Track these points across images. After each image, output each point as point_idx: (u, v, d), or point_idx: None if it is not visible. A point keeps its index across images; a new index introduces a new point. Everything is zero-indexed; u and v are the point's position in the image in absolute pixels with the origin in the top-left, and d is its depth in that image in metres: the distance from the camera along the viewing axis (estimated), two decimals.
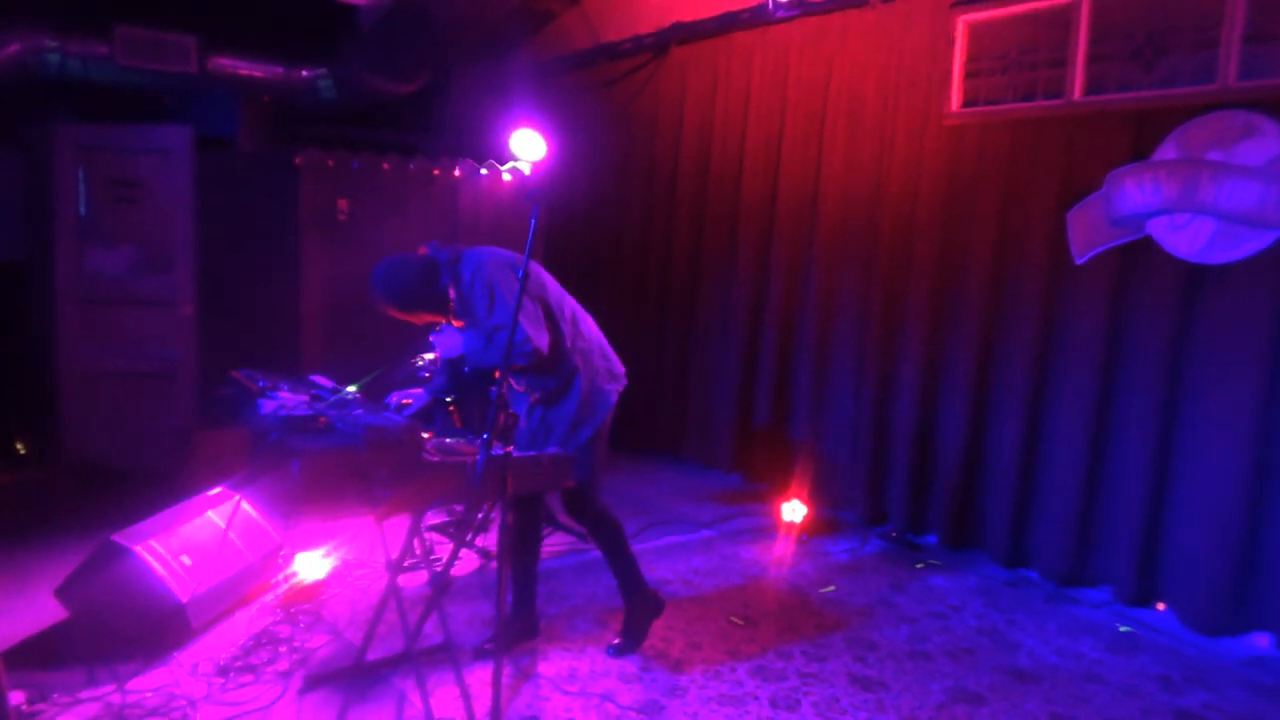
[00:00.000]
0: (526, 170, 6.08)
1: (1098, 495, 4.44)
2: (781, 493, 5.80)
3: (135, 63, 5.78)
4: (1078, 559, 4.49)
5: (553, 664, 3.50)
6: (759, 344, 6.02)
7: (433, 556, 4.50)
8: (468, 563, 4.48)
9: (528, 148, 5.92)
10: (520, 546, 3.64)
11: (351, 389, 3.02)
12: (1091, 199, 4.40)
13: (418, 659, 3.00)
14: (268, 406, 2.75)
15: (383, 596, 3.19)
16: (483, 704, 3.17)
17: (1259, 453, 3.89)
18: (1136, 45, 4.27)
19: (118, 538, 3.55)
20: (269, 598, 4.00)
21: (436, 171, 5.73)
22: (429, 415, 3.43)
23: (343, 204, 5.38)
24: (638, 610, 3.66)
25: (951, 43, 4.94)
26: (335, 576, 4.19)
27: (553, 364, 3.35)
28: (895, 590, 4.43)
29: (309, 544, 4.48)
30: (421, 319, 3.36)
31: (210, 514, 3.97)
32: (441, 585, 3.07)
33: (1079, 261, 4.45)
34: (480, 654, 3.51)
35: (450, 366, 3.56)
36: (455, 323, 3.35)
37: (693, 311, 6.52)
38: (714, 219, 6.27)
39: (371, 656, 3.37)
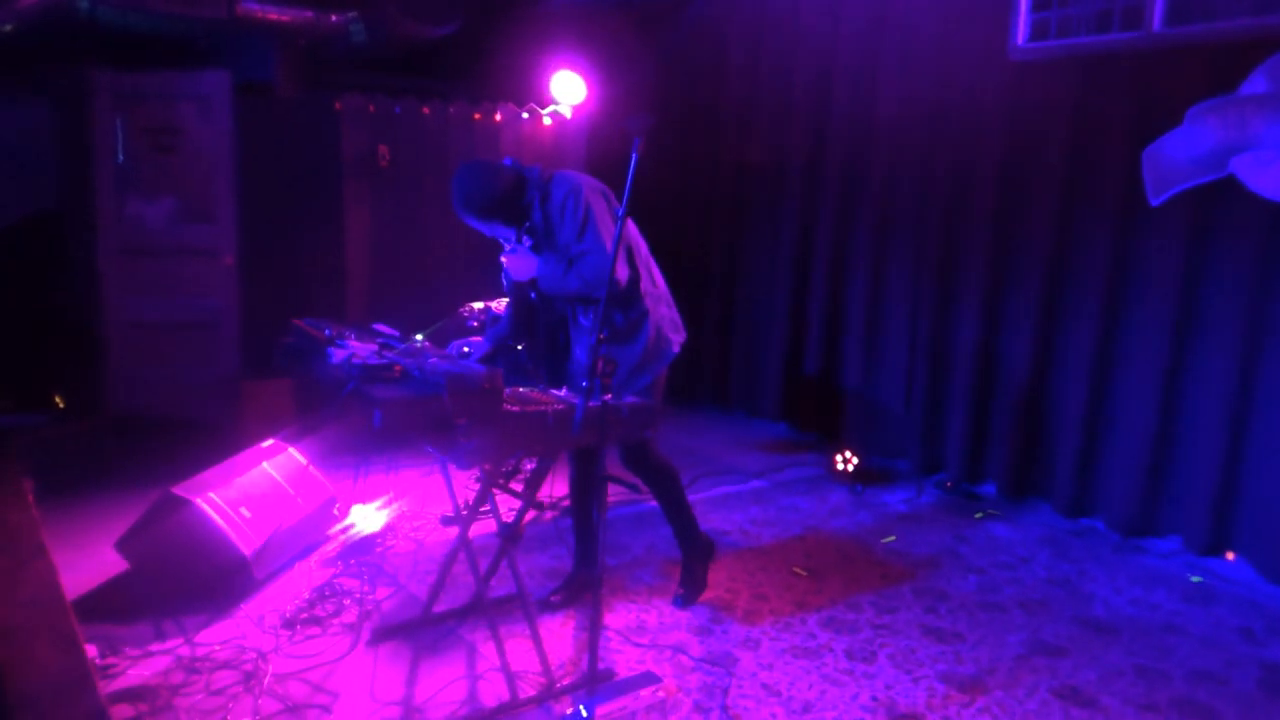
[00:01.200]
0: (568, 113, 5.92)
1: (1169, 443, 4.31)
2: (832, 442, 5.72)
3: (166, 8, 5.63)
4: (1146, 508, 4.38)
5: (619, 616, 3.45)
6: (808, 291, 5.88)
7: (484, 508, 4.46)
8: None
9: (568, 90, 5.78)
10: (582, 497, 3.56)
11: (419, 337, 2.92)
12: (1169, 136, 4.19)
13: (490, 609, 2.94)
14: (338, 355, 2.66)
15: (452, 548, 3.12)
16: (555, 655, 3.12)
17: None
18: None
19: (177, 490, 3.51)
20: (327, 549, 3.95)
21: (477, 116, 5.57)
22: (491, 363, 3.33)
23: (384, 150, 5.24)
24: (696, 557, 3.60)
25: None
26: (391, 528, 4.14)
27: (625, 303, 3.25)
28: (958, 540, 4.34)
29: (363, 496, 4.44)
30: (495, 230, 3.23)
31: (265, 465, 3.92)
32: (512, 535, 2.99)
33: (1154, 203, 4.24)
34: (546, 605, 3.45)
35: (516, 309, 3.46)
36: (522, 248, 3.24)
37: (737, 258, 6.37)
38: (760, 161, 6.09)
39: (437, 609, 3.32)
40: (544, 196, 3.18)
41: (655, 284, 3.39)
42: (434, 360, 2.55)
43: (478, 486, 4.55)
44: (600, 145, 6.02)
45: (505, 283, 3.54)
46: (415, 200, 5.38)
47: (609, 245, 3.13)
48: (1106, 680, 3.10)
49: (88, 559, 3.73)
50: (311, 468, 4.10)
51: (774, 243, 6.08)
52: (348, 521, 4.11)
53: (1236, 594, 3.86)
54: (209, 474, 3.70)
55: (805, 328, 5.93)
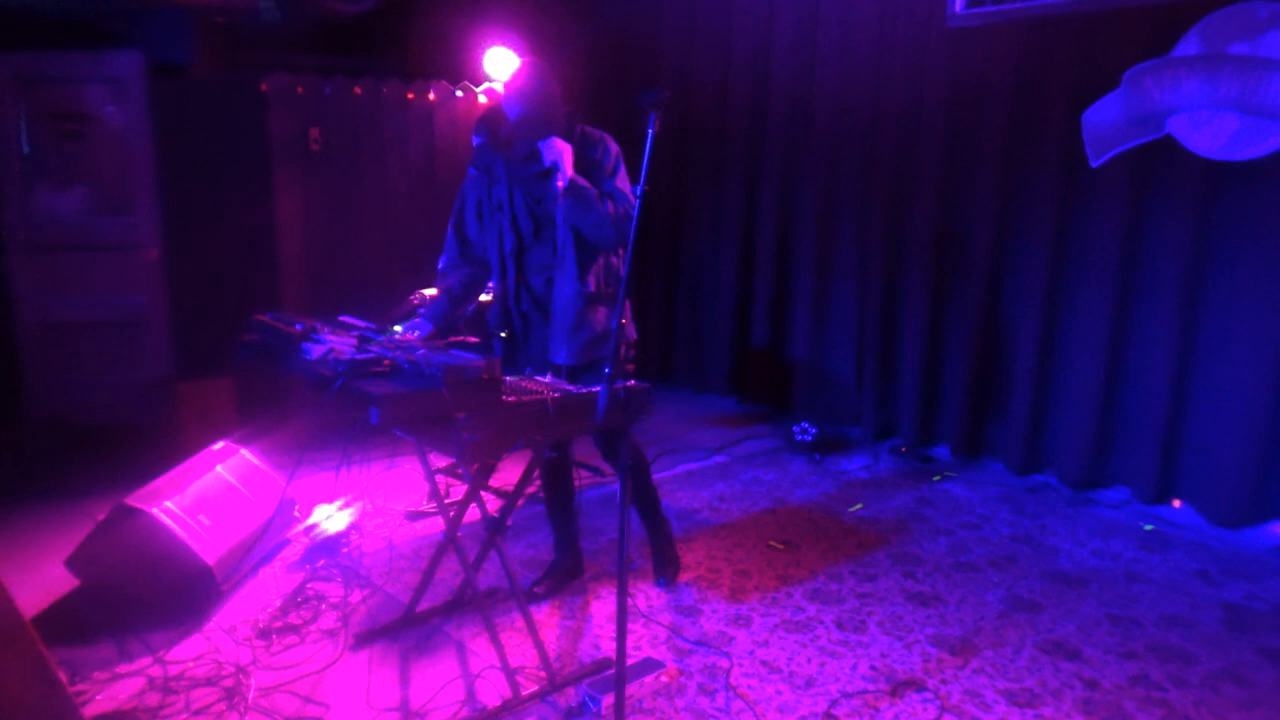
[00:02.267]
0: (502, 91, 5.74)
1: (1115, 398, 4.46)
2: (784, 413, 5.76)
3: None
4: (1095, 462, 4.54)
5: (606, 602, 3.40)
6: (753, 263, 5.89)
7: (448, 500, 4.35)
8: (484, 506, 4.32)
9: (502, 67, 5.61)
10: (558, 484, 3.49)
11: (397, 328, 2.79)
12: (1107, 99, 4.31)
13: (483, 603, 2.85)
14: (316, 350, 2.52)
15: (439, 544, 3.02)
16: (549, 647, 3.05)
17: None
18: None
19: (131, 500, 3.31)
20: (291, 552, 3.79)
21: (410, 95, 5.37)
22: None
23: (315, 132, 5.01)
24: (663, 535, 3.58)
25: None
26: (356, 526, 3.99)
27: (618, 260, 3.27)
28: (922, 504, 4.42)
29: (318, 495, 4.27)
30: (538, 139, 3.12)
31: (219, 469, 3.73)
32: (499, 527, 2.91)
33: (1095, 164, 4.38)
34: (531, 596, 3.38)
35: (450, 280, 3.35)
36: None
37: (679, 234, 6.33)
38: (698, 134, 6.05)
39: (418, 608, 3.21)
40: (582, 132, 3.20)
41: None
42: (423, 352, 2.44)
43: (448, 479, 4.45)
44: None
45: (459, 235, 3.40)
46: (350, 184, 5.16)
47: (633, 200, 3.06)
48: (1085, 631, 3.20)
49: (29, 578, 3.49)
50: (267, 469, 3.92)
51: (716, 217, 6.05)
52: (310, 522, 3.95)
53: (1187, 539, 4.03)
54: (161, 481, 3.50)
55: (751, 300, 5.95)
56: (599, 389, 2.34)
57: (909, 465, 5.00)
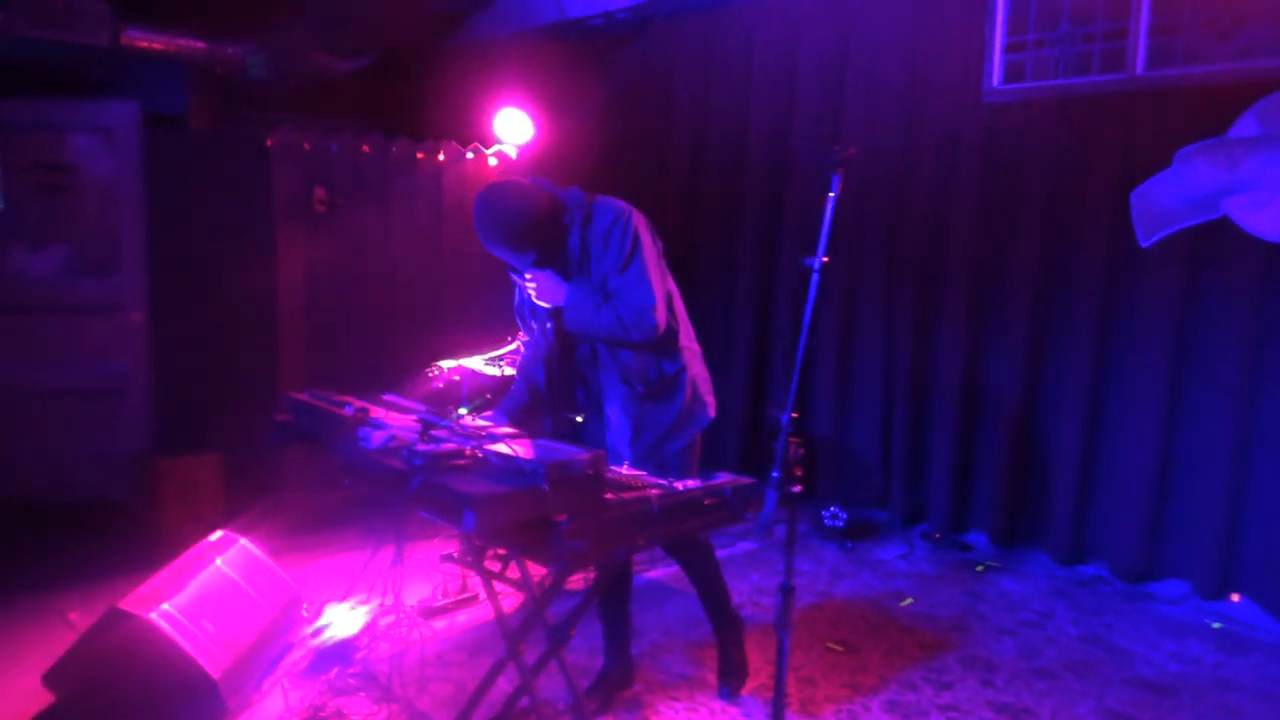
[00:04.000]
0: (513, 153, 5.51)
1: (1169, 487, 4.26)
2: (805, 495, 5.46)
3: (41, 34, 4.90)
4: (1148, 554, 4.31)
5: (667, 719, 3.03)
6: (770, 336, 5.65)
7: (465, 595, 3.96)
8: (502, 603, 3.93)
9: (513, 129, 5.39)
10: (616, 584, 3.15)
11: (463, 411, 2.46)
12: (1158, 178, 4.20)
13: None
14: (376, 438, 2.18)
15: (492, 666, 2.64)
16: None
17: None
18: (1210, 14, 4.08)
19: (126, 605, 2.88)
20: (296, 658, 3.36)
21: (420, 155, 5.09)
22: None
23: (320, 192, 4.69)
24: (731, 638, 3.23)
25: (991, 12, 4.66)
26: (369, 628, 3.57)
27: (662, 355, 2.89)
28: (973, 599, 4.14)
29: (324, 589, 3.85)
30: (525, 260, 2.82)
31: (219, 563, 3.31)
32: (561, 637, 2.56)
33: (1145, 244, 4.24)
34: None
35: (530, 371, 3.04)
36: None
37: (689, 302, 6.06)
38: (711, 208, 5.84)
39: None
40: (586, 220, 2.82)
41: (691, 335, 3.05)
42: (508, 441, 2.12)
43: (452, 567, 4.06)
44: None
45: (523, 323, 3.11)
46: (355, 246, 4.84)
47: (654, 284, 2.78)
48: None
49: None
50: (269, 562, 3.51)
51: (730, 286, 5.82)
52: (320, 623, 3.53)
53: (1262, 639, 3.81)
54: (157, 580, 3.08)
55: (767, 375, 5.70)
56: (715, 481, 2.03)
57: (946, 554, 4.74)
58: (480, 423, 2.43)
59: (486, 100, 5.27)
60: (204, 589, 3.13)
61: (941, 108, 4.84)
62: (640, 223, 2.84)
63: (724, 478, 2.32)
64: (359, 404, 2.43)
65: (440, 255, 5.19)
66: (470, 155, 5.30)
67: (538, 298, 2.84)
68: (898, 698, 3.21)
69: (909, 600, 4.09)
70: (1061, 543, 4.56)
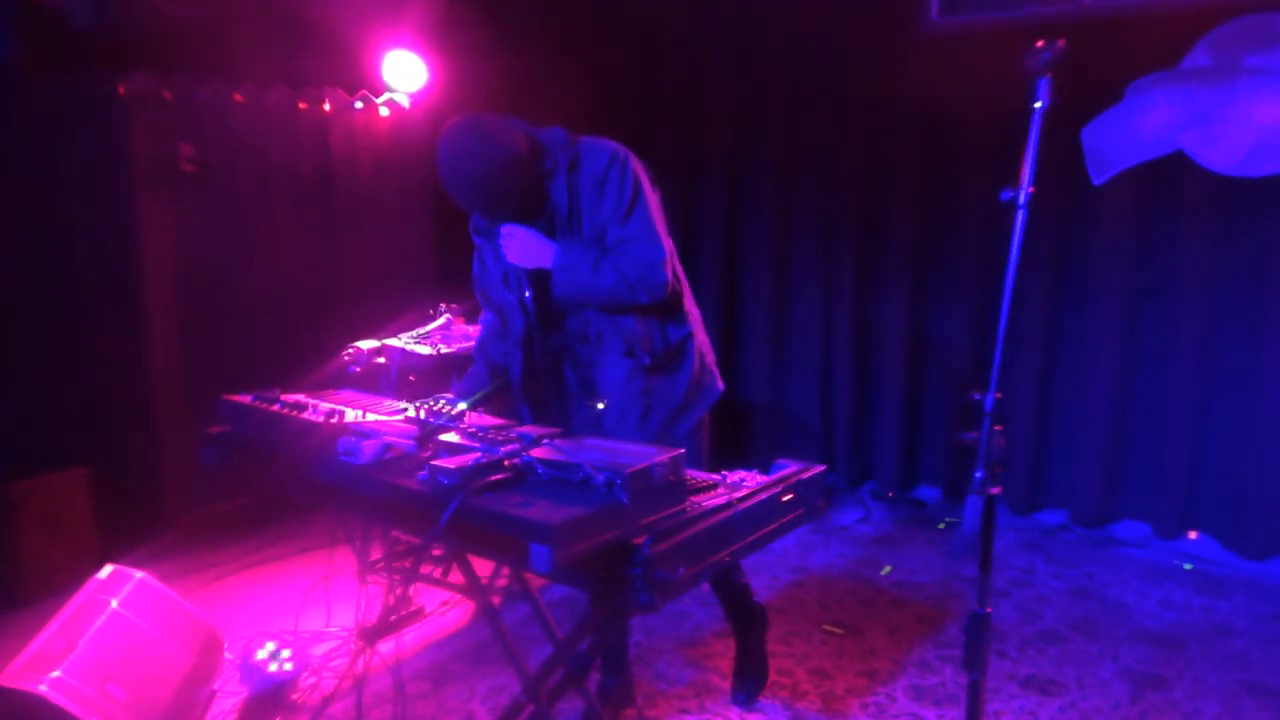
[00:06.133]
0: (406, 102, 4.88)
1: (1127, 433, 4.19)
2: (743, 463, 5.16)
3: None
4: (1109, 499, 4.25)
5: None
6: (738, 311, 5.24)
7: (410, 609, 3.44)
8: (444, 613, 3.46)
9: (405, 74, 4.76)
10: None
11: (463, 407, 1.96)
12: (1110, 113, 4.04)
13: None
14: (368, 449, 1.67)
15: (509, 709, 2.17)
16: None
17: None
18: None
19: (6, 680, 2.24)
20: (225, 707, 2.79)
21: (303, 105, 4.39)
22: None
23: (188, 150, 3.94)
24: (755, 634, 2.87)
25: None
26: (303, 662, 3.01)
27: (667, 316, 2.47)
28: (951, 559, 3.96)
29: (243, 622, 3.26)
30: (502, 216, 2.34)
31: (115, 606, 2.68)
32: (584, 667, 2.13)
33: (1098, 182, 4.08)
34: None
35: (490, 352, 2.56)
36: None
37: None
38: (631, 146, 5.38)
39: None
40: (572, 164, 2.33)
41: (693, 302, 2.64)
42: (551, 445, 1.66)
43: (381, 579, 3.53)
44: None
45: (484, 296, 2.62)
46: (234, 213, 4.12)
47: (662, 234, 2.36)
48: (1235, 710, 2.79)
49: None
50: (176, 597, 2.89)
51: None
52: (248, 663, 2.94)
53: (1233, 578, 3.80)
54: (44, 641, 2.44)
55: (736, 352, 5.31)
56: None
57: (903, 513, 4.56)
58: (497, 420, 1.94)
59: (371, 42, 4.61)
60: (102, 643, 2.51)
61: (878, 42, 4.56)
62: (639, 164, 2.39)
63: (790, 466, 1.93)
64: (325, 404, 1.89)
65: (331, 222, 4.52)
66: (359, 105, 4.64)
67: (517, 260, 2.35)
68: (919, 682, 2.95)
69: (888, 569, 3.86)
70: (1019, 492, 4.45)
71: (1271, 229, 3.80)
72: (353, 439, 1.70)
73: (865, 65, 4.59)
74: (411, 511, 1.58)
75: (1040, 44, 1.57)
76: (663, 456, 1.56)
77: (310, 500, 1.81)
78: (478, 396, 2.23)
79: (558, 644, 2.04)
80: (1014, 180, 1.81)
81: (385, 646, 3.17)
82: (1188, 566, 3.91)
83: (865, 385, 4.83)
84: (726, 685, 2.92)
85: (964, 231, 4.46)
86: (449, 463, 1.53)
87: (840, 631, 3.29)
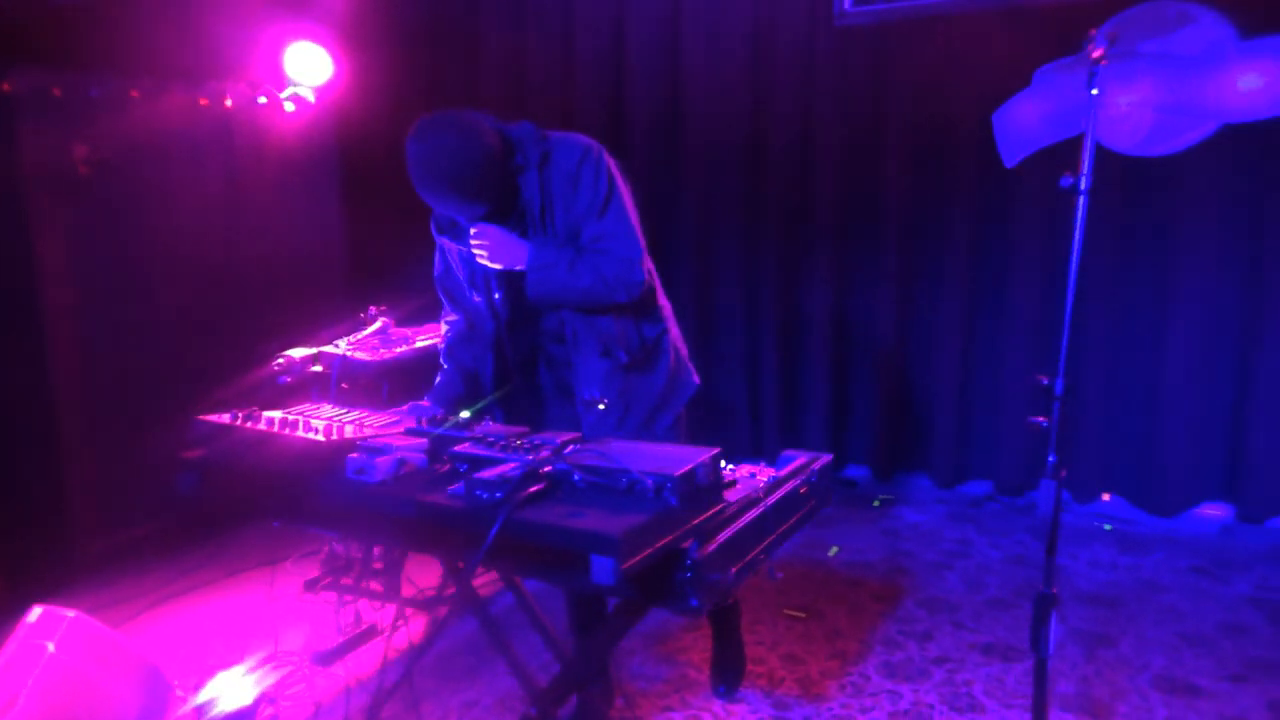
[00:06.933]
0: (311, 97, 4.65)
1: (1043, 400, 4.38)
2: None
3: None
4: (1029, 467, 4.44)
5: None
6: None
7: (362, 628, 3.30)
8: (399, 628, 3.33)
9: (308, 67, 4.55)
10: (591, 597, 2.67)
11: (465, 415, 1.86)
12: (1018, 98, 4.20)
13: None
14: (382, 466, 1.56)
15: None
16: None
17: (1209, 339, 4.02)
18: None
19: None
20: None
21: (204, 101, 4.12)
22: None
23: (82, 150, 3.64)
24: (730, 623, 2.87)
25: None
26: (264, 695, 2.84)
27: (642, 314, 2.43)
28: (891, 537, 4.07)
29: (193, 656, 3.05)
30: (476, 214, 2.23)
31: (51, 650, 2.46)
32: (590, 668, 2.08)
33: (1009, 165, 4.25)
34: None
35: (461, 356, 2.47)
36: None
37: None
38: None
39: None
40: (544, 159, 2.25)
41: (665, 296, 2.60)
42: (585, 450, 1.60)
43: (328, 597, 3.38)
44: (357, 137, 4.83)
45: (449, 298, 2.52)
46: (135, 220, 3.83)
47: (637, 231, 2.31)
48: (1177, 661, 2.97)
49: None
50: (115, 635, 2.68)
51: None
52: (199, 700, 2.75)
53: (1146, 534, 4.04)
54: None
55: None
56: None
57: (836, 493, 4.62)
58: (512, 428, 1.85)
59: (273, 35, 4.38)
60: (44, 693, 2.31)
61: (791, 33, 4.62)
62: (612, 160, 2.33)
63: (799, 456, 1.93)
64: (316, 418, 1.77)
65: (236, 227, 4.27)
66: (263, 100, 4.39)
67: (490, 261, 2.26)
68: (890, 659, 3.01)
69: (835, 549, 3.94)
70: (944, 466, 4.61)
71: (1170, 203, 4.04)
72: (363, 455, 1.59)
73: (780, 56, 4.64)
74: (441, 531, 1.49)
75: (1093, 32, 1.58)
76: (704, 456, 1.52)
77: (313, 526, 1.68)
78: (480, 404, 2.13)
79: (570, 660, 1.98)
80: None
81: (339, 669, 3.05)
82: (1108, 527, 4.13)
83: (791, 369, 4.91)
84: (702, 678, 2.91)
85: (884, 217, 4.57)
86: (488, 474, 1.45)
87: (803, 615, 3.33)
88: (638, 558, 1.36)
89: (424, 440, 1.71)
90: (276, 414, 1.89)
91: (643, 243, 2.35)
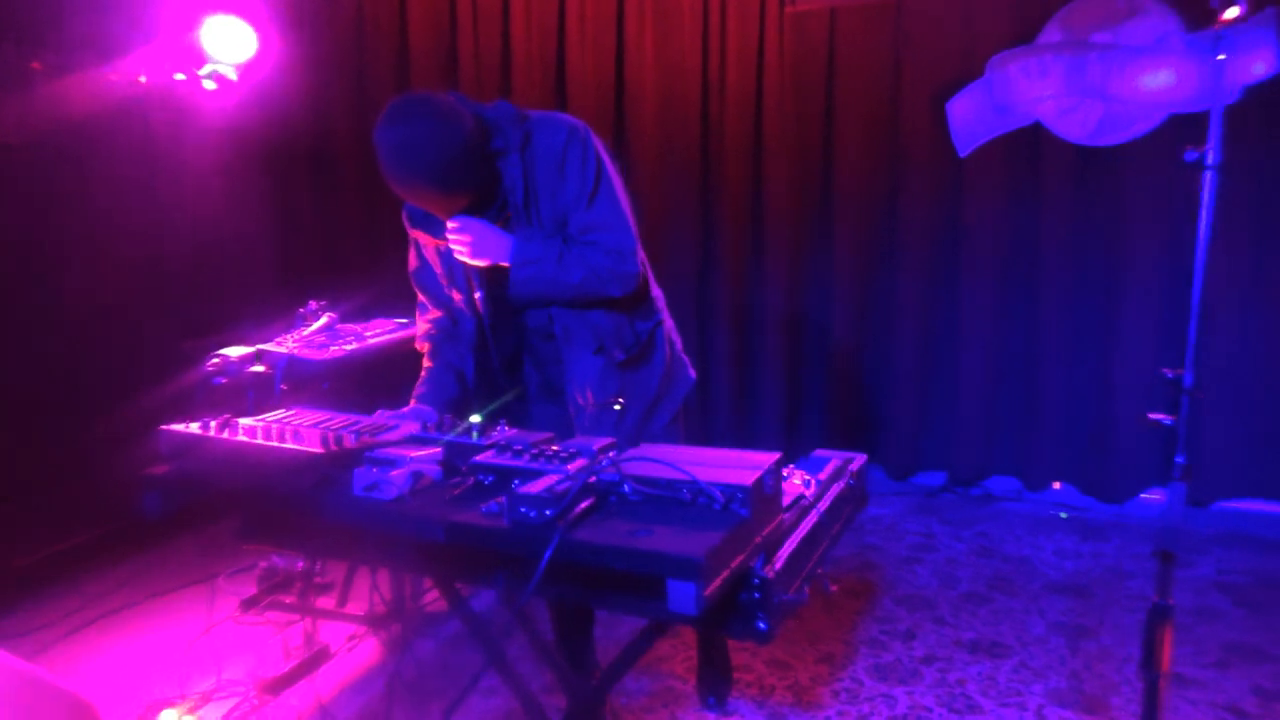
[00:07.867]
0: (233, 75, 4.30)
1: (1000, 395, 4.40)
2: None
3: None
4: (983, 458, 4.45)
5: None
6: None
7: (315, 650, 3.05)
8: (351, 649, 3.10)
9: (228, 43, 4.21)
10: (583, 613, 2.51)
11: (476, 419, 1.65)
12: (971, 88, 4.21)
13: None
14: (396, 480, 1.36)
15: None
16: None
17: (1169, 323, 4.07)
18: None
19: None
20: None
21: (113, 77, 3.76)
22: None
23: None
24: (717, 633, 2.73)
25: None
26: None
27: (635, 307, 2.26)
28: (856, 531, 4.01)
29: (132, 690, 2.75)
30: (456, 208, 2.03)
31: None
32: (599, 693, 1.92)
33: (963, 154, 4.26)
34: None
35: (449, 356, 2.26)
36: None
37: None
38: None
39: None
40: (525, 142, 2.05)
41: (657, 286, 2.44)
42: (630, 459, 1.43)
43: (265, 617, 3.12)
44: (283, 119, 4.51)
45: (426, 294, 2.31)
46: (45, 207, 3.47)
47: (629, 219, 2.15)
48: None
49: None
50: (47, 674, 2.37)
51: None
52: None
53: (1099, 520, 4.10)
54: None
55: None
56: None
57: None
58: (537, 434, 1.65)
59: (187, 5, 4.03)
60: None
61: (741, 20, 4.51)
62: (600, 142, 2.15)
63: (833, 457, 1.79)
64: (305, 425, 1.54)
65: (159, 208, 3.93)
66: (181, 77, 4.04)
67: (471, 258, 2.05)
68: (876, 660, 2.92)
69: None
70: (899, 458, 4.58)
71: (1119, 193, 4.07)
72: (374, 469, 1.39)
73: (731, 41, 4.53)
74: (476, 555, 1.30)
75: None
76: (768, 461, 1.37)
77: (312, 552, 1.46)
78: (493, 405, 1.92)
79: (580, 687, 1.81)
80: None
81: (292, 698, 2.80)
82: (1063, 515, 4.16)
83: (744, 367, 4.80)
84: (688, 689, 2.77)
85: (837, 205, 4.51)
86: (532, 488, 1.27)
87: None
88: (717, 581, 1.20)
89: (437, 449, 1.51)
90: (252, 421, 1.65)
91: (635, 231, 2.18)
